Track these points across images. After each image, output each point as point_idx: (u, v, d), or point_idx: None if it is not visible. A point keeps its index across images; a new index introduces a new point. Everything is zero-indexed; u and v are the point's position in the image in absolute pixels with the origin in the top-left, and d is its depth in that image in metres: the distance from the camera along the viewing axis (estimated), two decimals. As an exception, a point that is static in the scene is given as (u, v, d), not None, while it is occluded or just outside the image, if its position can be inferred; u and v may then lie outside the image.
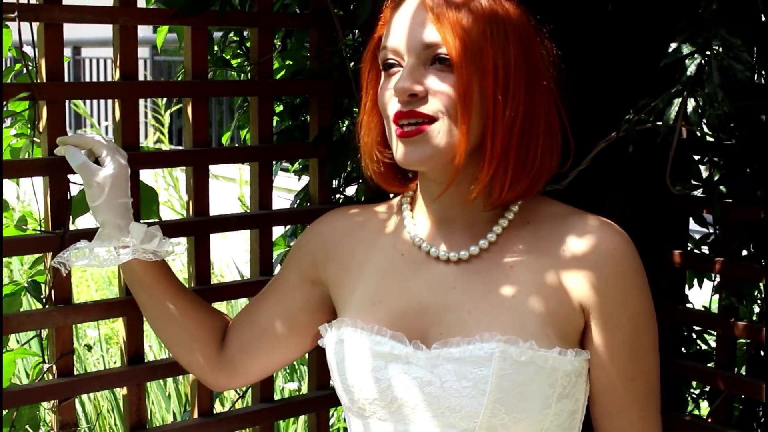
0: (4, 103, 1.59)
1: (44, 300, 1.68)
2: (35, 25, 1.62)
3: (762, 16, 2.13)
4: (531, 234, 1.48)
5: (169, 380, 3.33)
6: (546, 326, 1.43)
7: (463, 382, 1.40)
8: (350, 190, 2.25)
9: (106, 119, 11.08)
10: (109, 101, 2.24)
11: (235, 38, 2.15)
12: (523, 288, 1.44)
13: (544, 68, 1.47)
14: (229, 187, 6.07)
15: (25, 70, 1.79)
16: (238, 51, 2.15)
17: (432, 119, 1.40)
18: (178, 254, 1.61)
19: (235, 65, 2.12)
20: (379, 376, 1.45)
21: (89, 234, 1.63)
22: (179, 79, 1.82)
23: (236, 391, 2.32)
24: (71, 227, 1.66)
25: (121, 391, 1.80)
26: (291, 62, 2.14)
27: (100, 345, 3.81)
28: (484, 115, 1.41)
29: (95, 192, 1.56)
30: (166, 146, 6.94)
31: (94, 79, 11.95)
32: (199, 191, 1.79)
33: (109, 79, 10.98)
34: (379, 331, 1.47)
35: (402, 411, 1.45)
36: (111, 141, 1.62)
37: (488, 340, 1.40)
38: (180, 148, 1.81)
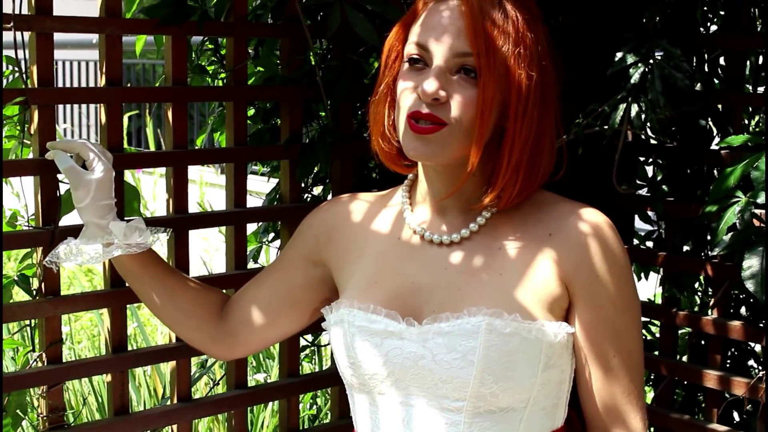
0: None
1: (35, 292, 1.79)
2: (26, 34, 1.72)
3: (700, 28, 2.27)
4: (519, 219, 1.57)
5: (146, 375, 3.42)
6: (531, 302, 1.51)
7: (453, 354, 1.49)
8: (316, 190, 2.37)
9: (65, 121, 11.09)
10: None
11: (210, 46, 2.27)
12: (510, 267, 1.53)
13: (553, 89, 1.56)
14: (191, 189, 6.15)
15: (13, 77, 1.90)
16: (213, 58, 2.27)
17: (443, 123, 1.48)
18: (162, 241, 1.71)
19: (210, 71, 2.23)
20: (376, 352, 1.54)
21: (78, 230, 1.73)
22: (158, 84, 1.93)
23: (211, 378, 2.44)
24: (60, 224, 1.77)
25: (105, 378, 1.91)
26: (262, 69, 2.25)
27: (71, 338, 3.91)
28: (500, 130, 1.51)
29: (81, 194, 1.66)
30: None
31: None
32: (178, 190, 1.91)
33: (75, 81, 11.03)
34: (374, 310, 1.55)
35: (399, 385, 1.54)
36: (98, 145, 1.72)
37: (475, 314, 1.49)
38: (146, 150, 1.92)
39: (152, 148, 6.08)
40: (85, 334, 4.32)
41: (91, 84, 11.00)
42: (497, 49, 1.48)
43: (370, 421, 1.60)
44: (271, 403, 3.17)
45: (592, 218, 1.56)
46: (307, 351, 2.52)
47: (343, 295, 1.64)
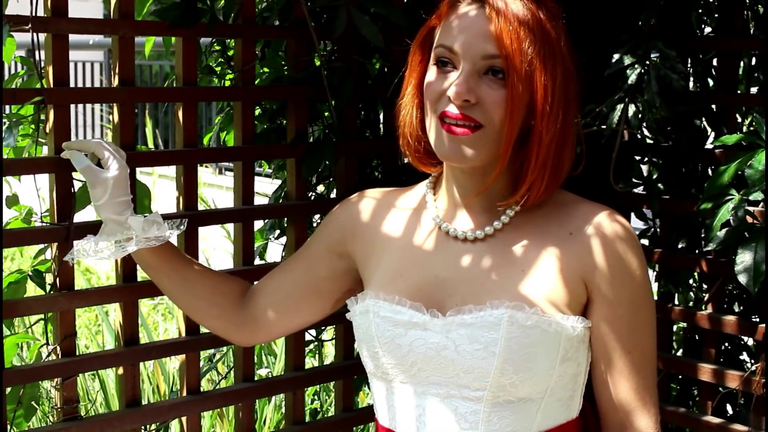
0: (6, 107, 1.74)
1: (50, 286, 1.84)
2: (42, 35, 1.77)
3: (695, 30, 2.33)
4: (541, 218, 1.62)
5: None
6: (551, 297, 1.56)
7: (475, 345, 1.54)
8: (320, 188, 2.43)
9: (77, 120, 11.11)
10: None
11: (217, 48, 2.32)
12: (532, 264, 1.58)
13: (575, 86, 1.60)
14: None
15: (26, 77, 1.95)
16: (220, 59, 2.32)
17: (479, 125, 1.53)
18: (177, 234, 1.75)
19: (218, 72, 2.28)
20: (400, 342, 1.59)
21: (92, 226, 1.78)
22: (173, 85, 1.98)
23: (219, 372, 2.49)
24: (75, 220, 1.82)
25: (117, 371, 1.96)
26: (267, 70, 2.31)
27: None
28: (526, 129, 1.55)
29: (98, 192, 1.70)
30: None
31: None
32: (188, 187, 1.95)
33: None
34: (399, 302, 1.60)
35: (420, 374, 1.58)
36: (112, 144, 1.77)
37: (497, 307, 1.54)
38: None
39: (151, 147, 6.14)
40: (86, 331, 4.37)
41: (88, 84, 11.01)
42: (524, 51, 1.51)
43: (391, 409, 1.64)
44: (274, 399, 3.22)
45: (611, 219, 1.61)
46: (311, 346, 2.57)
47: (368, 287, 1.68)
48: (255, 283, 1.88)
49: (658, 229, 2.33)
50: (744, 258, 1.94)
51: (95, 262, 1.57)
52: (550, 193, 1.61)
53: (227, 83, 2.38)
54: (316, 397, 3.35)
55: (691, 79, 2.30)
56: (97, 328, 4.48)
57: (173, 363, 3.56)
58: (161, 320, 4.50)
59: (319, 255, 1.78)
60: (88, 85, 10.79)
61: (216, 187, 6.69)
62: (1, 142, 1.74)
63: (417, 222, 1.69)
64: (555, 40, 1.56)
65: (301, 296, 1.79)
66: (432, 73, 1.58)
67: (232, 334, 1.84)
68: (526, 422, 1.58)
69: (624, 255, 1.59)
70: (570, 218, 1.62)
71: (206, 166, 6.38)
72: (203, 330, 1.97)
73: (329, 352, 3.61)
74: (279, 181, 2.44)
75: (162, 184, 5.70)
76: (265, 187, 2.67)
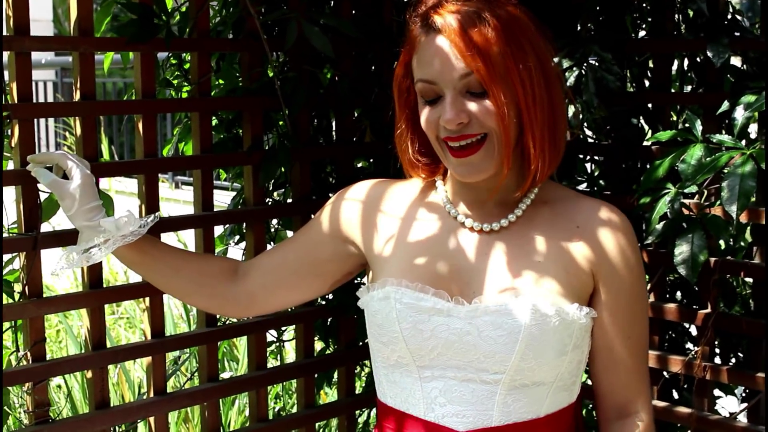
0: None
1: (19, 295, 1.90)
2: (5, 54, 1.84)
3: (631, 34, 2.43)
4: (549, 211, 1.71)
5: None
6: (566, 287, 1.65)
7: (499, 331, 1.61)
8: (276, 194, 2.51)
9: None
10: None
11: (173, 61, 2.39)
12: (546, 255, 1.67)
13: (550, 59, 1.66)
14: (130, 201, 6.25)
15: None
16: (176, 72, 2.40)
17: (482, 137, 1.60)
18: (152, 224, 1.81)
19: (175, 85, 2.36)
20: (422, 328, 1.64)
21: (59, 235, 1.85)
22: (133, 98, 2.05)
23: (183, 374, 2.56)
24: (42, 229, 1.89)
25: (86, 374, 2.03)
26: (222, 81, 2.39)
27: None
28: (520, 122, 1.62)
29: (68, 203, 1.77)
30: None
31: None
32: (150, 196, 2.03)
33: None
34: (422, 289, 1.66)
35: (440, 358, 1.65)
36: (74, 154, 1.83)
37: (521, 296, 1.62)
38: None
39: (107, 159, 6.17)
40: (50, 341, 4.41)
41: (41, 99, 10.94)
42: (491, 56, 1.57)
43: (405, 394, 1.70)
44: (237, 403, 3.30)
45: (613, 213, 1.71)
46: (273, 347, 2.64)
47: (383, 273, 1.72)
48: (245, 259, 1.94)
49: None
50: (682, 249, 2.03)
51: (103, 259, 1.64)
52: (555, 167, 1.69)
53: (184, 95, 2.45)
54: (278, 400, 3.42)
55: (628, 80, 2.39)
56: (58, 345, 4.52)
57: (137, 371, 3.62)
58: (123, 332, 4.54)
59: (322, 238, 1.83)
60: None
61: (173, 201, 6.73)
62: (2, 144, 1.80)
63: (431, 212, 1.75)
64: (517, 30, 1.61)
65: (301, 275, 1.84)
66: (424, 112, 1.64)
67: (228, 309, 1.90)
68: (537, 405, 1.66)
69: (626, 247, 1.69)
70: (575, 213, 1.71)
71: (163, 181, 6.42)
72: (168, 332, 2.05)
73: (288, 355, 3.69)
74: (234, 193, 2.53)
75: (119, 200, 5.73)
76: (222, 198, 2.74)
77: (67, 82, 10.40)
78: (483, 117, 1.59)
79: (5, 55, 1.84)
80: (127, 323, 4.80)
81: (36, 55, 1.85)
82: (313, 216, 1.90)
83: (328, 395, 3.45)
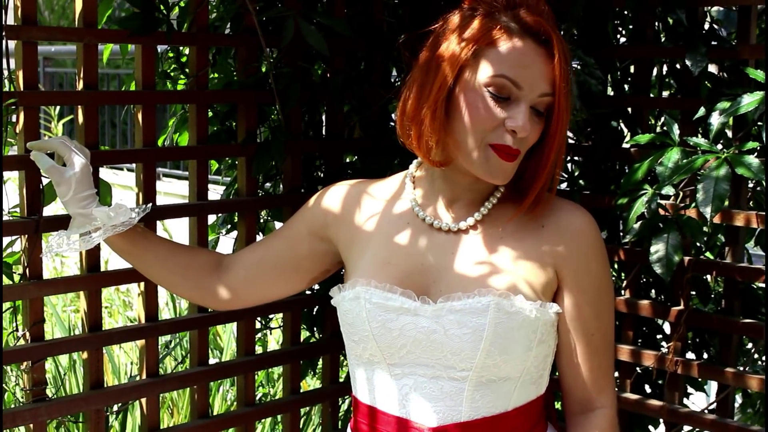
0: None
1: (20, 276, 1.97)
2: (12, 42, 1.90)
3: (613, 40, 2.51)
4: (514, 210, 1.72)
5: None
6: (530, 284, 1.68)
7: (464, 329, 1.65)
8: (266, 185, 2.58)
9: None
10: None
11: (170, 54, 2.46)
12: (511, 254, 1.70)
13: None
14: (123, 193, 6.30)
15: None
16: (174, 65, 2.47)
17: (519, 152, 1.66)
18: (144, 215, 1.88)
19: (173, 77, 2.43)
20: (391, 327, 1.69)
21: (60, 219, 1.92)
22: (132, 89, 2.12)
23: (174, 358, 2.63)
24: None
25: (82, 355, 2.10)
26: (216, 75, 2.46)
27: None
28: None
29: (63, 189, 1.83)
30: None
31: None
32: (147, 184, 2.10)
33: None
34: (390, 289, 1.70)
35: (409, 356, 1.69)
36: (74, 142, 1.89)
37: (485, 295, 1.65)
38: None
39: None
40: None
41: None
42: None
43: (376, 389, 1.74)
44: (222, 390, 3.37)
45: (577, 213, 1.74)
46: (259, 334, 2.72)
47: (355, 274, 1.76)
48: (228, 253, 2.00)
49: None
50: (657, 248, 2.09)
51: (91, 247, 1.70)
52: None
53: (179, 87, 2.52)
54: (261, 388, 3.50)
55: (609, 84, 2.46)
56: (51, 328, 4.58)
57: (122, 357, 3.68)
58: (108, 318, 4.60)
59: (301, 235, 1.88)
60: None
61: (160, 194, 6.77)
62: (1, 141, 1.86)
63: (400, 212, 1.79)
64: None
65: (281, 271, 1.90)
66: (489, 105, 1.63)
67: (209, 301, 1.96)
68: (504, 399, 1.69)
69: (590, 245, 1.73)
70: (541, 212, 1.73)
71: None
72: (161, 317, 2.11)
73: (269, 345, 3.76)
74: (223, 187, 2.60)
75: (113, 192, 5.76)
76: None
77: (49, 72, 10.42)
78: (531, 139, 1.66)
79: (12, 44, 1.90)
80: (107, 311, 4.85)
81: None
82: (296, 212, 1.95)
83: (310, 385, 3.52)
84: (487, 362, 1.66)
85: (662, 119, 2.61)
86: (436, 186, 1.77)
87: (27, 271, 1.95)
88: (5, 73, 1.97)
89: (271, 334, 3.34)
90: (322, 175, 2.53)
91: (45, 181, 1.94)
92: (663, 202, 2.15)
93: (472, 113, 1.64)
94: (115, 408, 2.25)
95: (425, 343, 1.67)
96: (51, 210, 2.03)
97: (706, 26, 2.30)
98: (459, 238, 1.74)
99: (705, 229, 2.25)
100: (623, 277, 2.41)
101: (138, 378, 2.17)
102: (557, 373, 1.81)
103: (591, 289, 1.73)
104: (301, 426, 2.66)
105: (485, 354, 1.65)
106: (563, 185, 2.50)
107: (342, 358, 2.79)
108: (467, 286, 1.68)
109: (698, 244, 2.49)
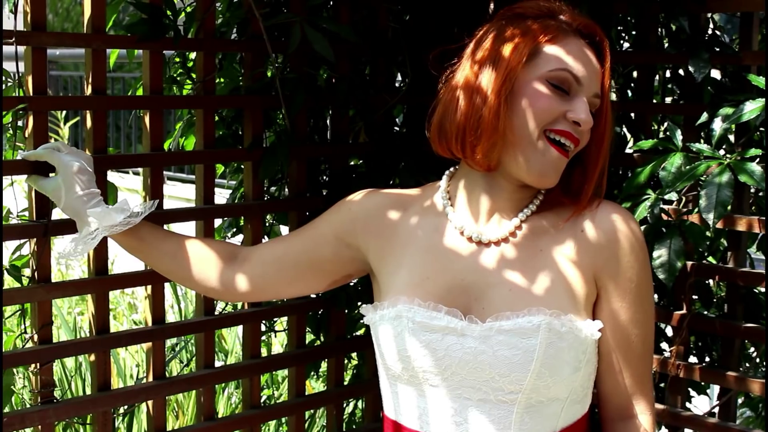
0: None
1: (28, 279, 1.99)
2: (21, 48, 1.92)
3: (616, 46, 2.52)
4: (554, 216, 1.70)
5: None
6: (575, 300, 1.64)
7: (514, 351, 1.59)
8: (272, 189, 2.60)
9: None
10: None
11: (177, 59, 2.48)
12: (554, 266, 1.65)
13: None
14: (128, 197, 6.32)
15: (4, 86, 2.10)
16: (180, 70, 2.49)
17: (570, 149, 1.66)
18: (148, 212, 1.87)
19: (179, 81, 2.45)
20: (436, 347, 1.63)
21: (68, 222, 1.94)
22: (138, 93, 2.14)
23: (180, 361, 2.65)
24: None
25: (89, 357, 2.12)
26: (222, 80, 2.48)
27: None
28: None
29: (56, 198, 1.85)
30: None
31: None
32: (155, 188, 2.12)
33: None
34: (435, 308, 1.64)
35: (454, 378, 1.63)
36: (59, 145, 1.88)
37: (535, 314, 1.60)
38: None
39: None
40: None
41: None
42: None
43: (418, 411, 1.69)
44: (226, 392, 3.39)
45: (617, 212, 1.69)
46: (263, 338, 2.74)
47: (392, 290, 1.71)
48: (245, 246, 1.99)
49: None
50: (660, 253, 2.10)
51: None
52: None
53: (185, 92, 2.54)
54: (264, 390, 3.51)
55: (612, 89, 2.48)
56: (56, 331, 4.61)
57: (128, 359, 3.70)
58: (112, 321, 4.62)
59: (326, 238, 1.83)
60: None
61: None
62: (1, 141, 1.87)
63: (436, 225, 1.74)
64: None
65: (301, 271, 1.85)
66: (546, 90, 1.63)
67: (221, 296, 1.93)
68: (553, 420, 1.65)
69: (632, 246, 1.67)
70: (579, 215, 1.69)
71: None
72: (168, 320, 2.13)
73: (273, 348, 3.78)
74: (228, 193, 2.62)
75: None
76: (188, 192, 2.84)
77: (54, 75, 10.45)
78: (587, 139, 1.67)
79: (21, 49, 1.92)
80: (112, 314, 4.88)
81: (9, 49, 1.89)
82: (314, 214, 1.95)
83: (314, 388, 3.54)
84: (538, 384, 1.61)
85: (665, 125, 2.62)
86: (474, 195, 1.72)
87: (35, 274, 1.97)
88: (15, 78, 2.00)
89: (275, 337, 3.36)
90: (327, 179, 2.55)
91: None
92: (666, 207, 2.17)
93: (534, 104, 1.63)
94: (122, 410, 2.26)
95: (472, 365, 1.62)
96: (59, 214, 2.04)
97: (709, 32, 2.32)
98: (498, 250, 1.69)
99: (708, 234, 2.25)
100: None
101: (144, 380, 2.19)
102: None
103: (632, 292, 1.68)
104: (305, 428, 2.68)
105: (536, 375, 1.60)
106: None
107: (347, 361, 2.81)
108: (514, 304, 1.63)
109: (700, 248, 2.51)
